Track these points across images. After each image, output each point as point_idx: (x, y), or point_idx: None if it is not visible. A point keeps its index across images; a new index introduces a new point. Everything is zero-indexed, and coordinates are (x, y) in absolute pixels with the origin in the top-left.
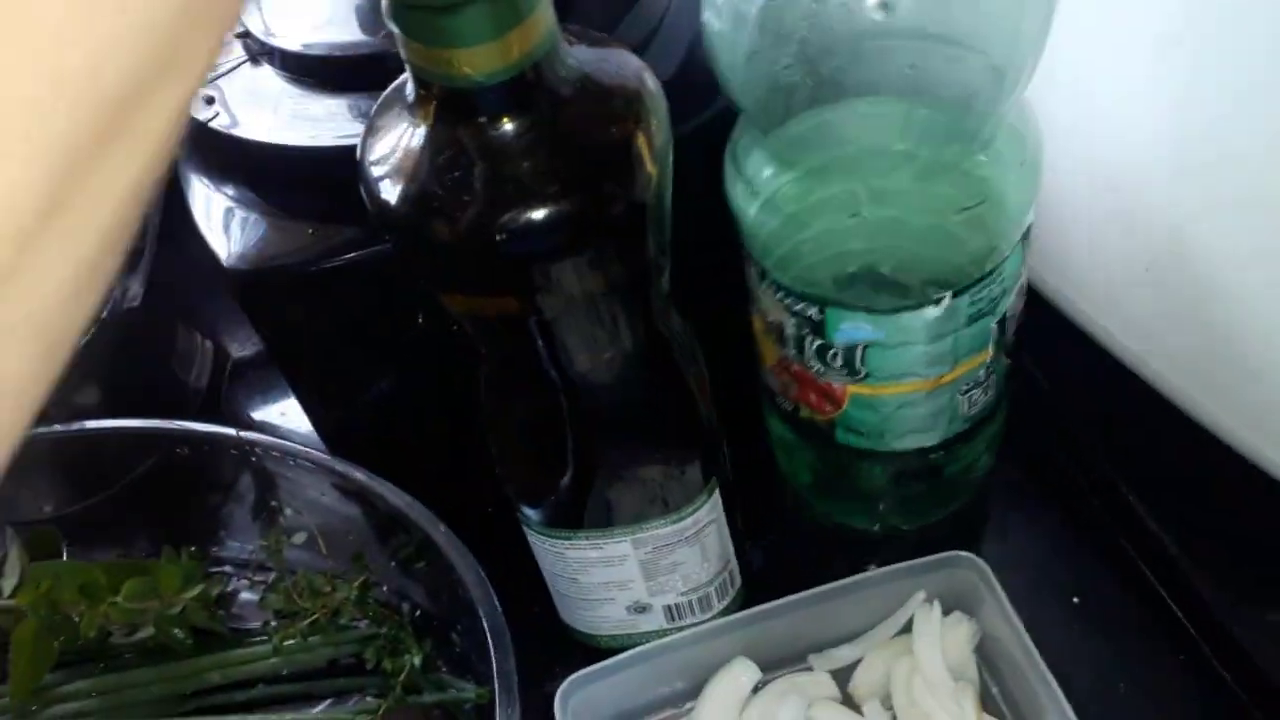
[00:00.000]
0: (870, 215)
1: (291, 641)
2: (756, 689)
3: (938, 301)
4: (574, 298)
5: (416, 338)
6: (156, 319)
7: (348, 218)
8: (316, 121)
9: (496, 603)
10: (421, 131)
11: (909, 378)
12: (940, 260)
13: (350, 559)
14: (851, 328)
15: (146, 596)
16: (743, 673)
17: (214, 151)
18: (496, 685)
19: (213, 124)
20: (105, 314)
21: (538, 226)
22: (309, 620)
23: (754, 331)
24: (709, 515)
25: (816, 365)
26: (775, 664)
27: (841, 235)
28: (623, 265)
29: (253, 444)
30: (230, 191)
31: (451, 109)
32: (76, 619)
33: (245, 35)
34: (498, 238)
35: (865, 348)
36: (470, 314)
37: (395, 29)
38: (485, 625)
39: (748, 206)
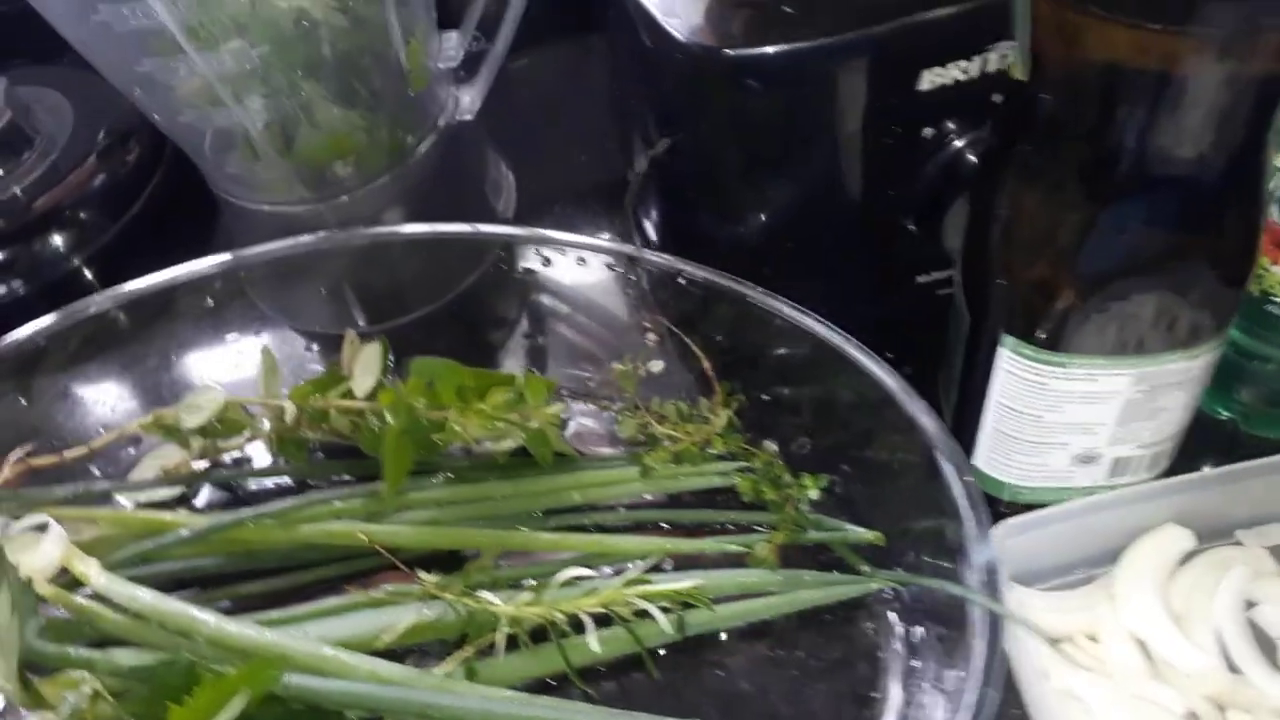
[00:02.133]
0: None
1: (656, 467)
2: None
3: None
4: (1238, 63)
5: (862, 148)
6: (477, 139)
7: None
8: None
9: (946, 427)
10: None
11: None
12: None
13: (720, 390)
14: None
15: (512, 408)
16: (1175, 540)
17: None
18: (968, 519)
19: None
20: (441, 123)
21: None
22: (677, 447)
23: None
24: (1212, 352)
25: None
26: (1200, 537)
27: None
28: None
29: (635, 258)
30: None
31: None
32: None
33: None
34: None
35: None
36: (1101, 58)
37: None
38: (941, 455)
39: None
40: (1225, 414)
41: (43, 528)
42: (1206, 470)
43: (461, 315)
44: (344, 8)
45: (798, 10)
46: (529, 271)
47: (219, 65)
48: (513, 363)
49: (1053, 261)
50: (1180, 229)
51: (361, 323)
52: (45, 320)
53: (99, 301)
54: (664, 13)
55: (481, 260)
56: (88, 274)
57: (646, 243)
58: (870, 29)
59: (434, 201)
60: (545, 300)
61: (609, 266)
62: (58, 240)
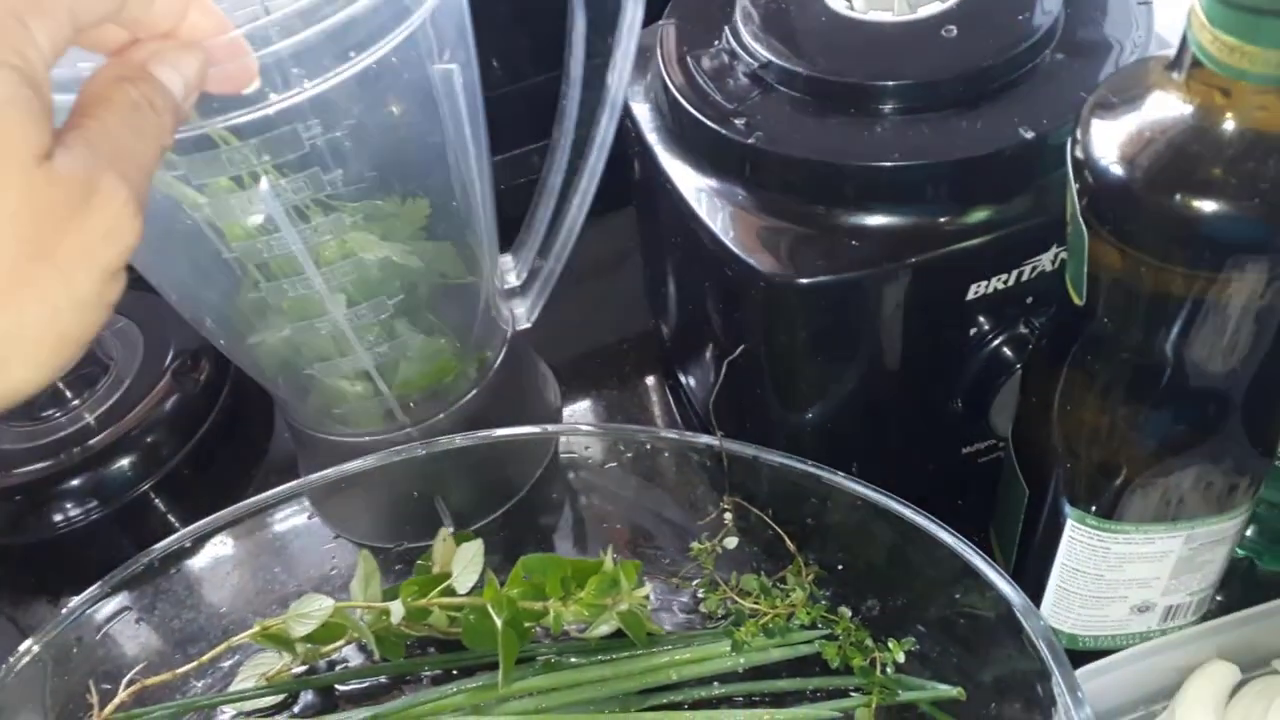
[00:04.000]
0: None
1: (748, 641)
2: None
3: None
4: (1260, 299)
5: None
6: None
7: (896, 232)
8: (846, 138)
9: (1024, 594)
10: (1189, 116)
11: None
12: None
13: (799, 563)
14: None
15: (607, 593)
16: (1224, 674)
17: (757, 171)
18: (1060, 681)
19: (759, 144)
20: (508, 336)
21: None
22: (763, 620)
23: None
24: (1250, 508)
25: None
26: (1242, 669)
27: None
28: None
29: (716, 448)
30: (767, 207)
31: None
32: (534, 615)
33: (733, 55)
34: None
35: None
36: (1150, 291)
37: (1204, 19)
38: (1027, 622)
39: None
40: (1241, 553)
41: None
42: (1247, 611)
43: (519, 512)
44: (420, 252)
45: (861, 242)
46: (584, 458)
47: (355, 319)
48: (567, 546)
49: (1112, 448)
50: (1221, 419)
51: (450, 527)
52: (165, 542)
53: (199, 527)
54: (738, 245)
55: (541, 460)
56: (155, 499)
57: (695, 423)
58: (929, 254)
59: (505, 405)
60: (598, 484)
61: (668, 452)
62: (125, 465)
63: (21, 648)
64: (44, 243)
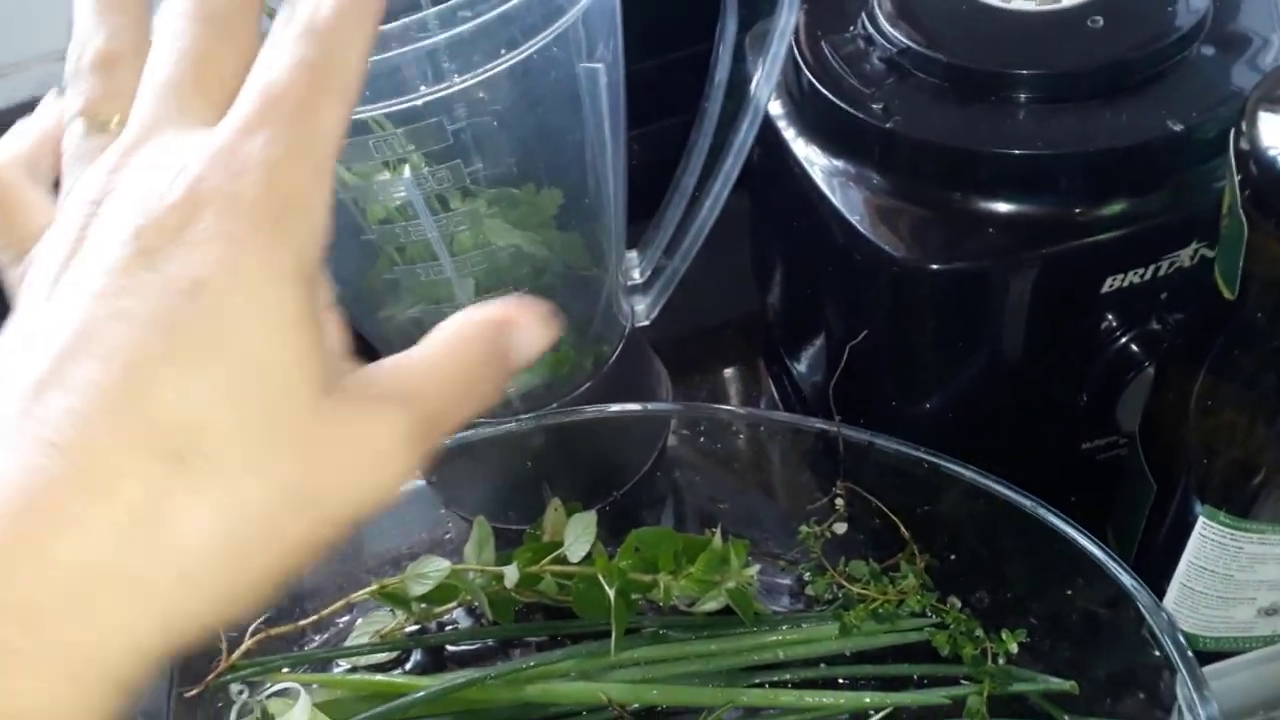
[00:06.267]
0: None
1: (858, 625)
2: None
3: None
4: None
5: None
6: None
7: (1032, 221)
8: (986, 126)
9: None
10: None
11: None
12: None
13: (901, 551)
14: None
15: (715, 570)
16: None
17: (892, 156)
18: (1186, 678)
19: (896, 128)
20: (626, 331)
21: None
22: (873, 605)
23: None
24: None
25: None
26: None
27: None
28: None
29: (833, 432)
30: (900, 192)
31: None
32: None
33: (869, 40)
34: None
35: None
36: None
37: None
38: (1144, 607)
39: None
40: None
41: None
42: None
43: (627, 494)
44: (548, 241)
45: (996, 230)
46: (693, 438)
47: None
48: (671, 524)
49: (1252, 445)
50: None
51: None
52: None
53: None
54: (869, 229)
55: (652, 448)
56: None
57: (798, 406)
58: (1065, 244)
59: (618, 400)
60: (705, 465)
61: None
62: None
63: None
64: (309, 493)
